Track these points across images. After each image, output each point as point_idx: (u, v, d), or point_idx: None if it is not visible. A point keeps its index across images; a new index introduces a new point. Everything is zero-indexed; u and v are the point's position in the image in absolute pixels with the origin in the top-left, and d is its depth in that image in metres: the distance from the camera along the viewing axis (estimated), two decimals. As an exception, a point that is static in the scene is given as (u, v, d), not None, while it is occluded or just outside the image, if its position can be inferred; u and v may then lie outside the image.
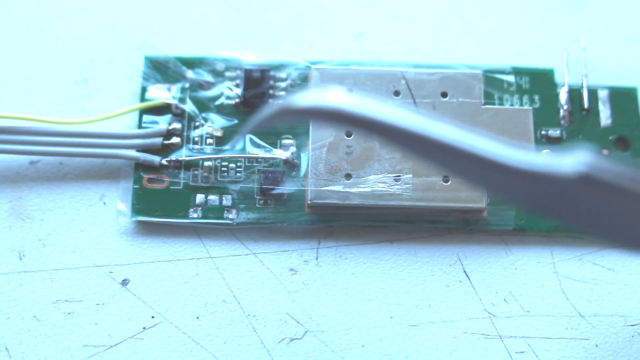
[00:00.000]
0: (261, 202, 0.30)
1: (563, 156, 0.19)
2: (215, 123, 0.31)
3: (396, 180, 0.29)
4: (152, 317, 0.29)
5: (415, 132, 0.20)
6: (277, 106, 0.22)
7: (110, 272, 0.29)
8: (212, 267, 0.29)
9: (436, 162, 0.21)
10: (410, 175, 0.29)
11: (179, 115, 0.31)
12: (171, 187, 0.30)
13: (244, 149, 0.30)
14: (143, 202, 0.30)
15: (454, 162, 0.20)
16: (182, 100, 0.31)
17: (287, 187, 0.30)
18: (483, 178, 0.20)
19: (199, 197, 0.30)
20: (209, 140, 0.31)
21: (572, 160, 0.19)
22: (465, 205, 0.29)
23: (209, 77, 0.31)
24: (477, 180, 0.21)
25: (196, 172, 0.30)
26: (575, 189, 0.19)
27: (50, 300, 0.29)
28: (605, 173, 0.19)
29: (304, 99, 0.22)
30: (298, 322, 0.29)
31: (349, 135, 0.29)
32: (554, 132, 0.31)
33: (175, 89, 0.31)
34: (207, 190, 0.30)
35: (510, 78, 0.32)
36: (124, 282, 0.29)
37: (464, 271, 0.30)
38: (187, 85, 0.31)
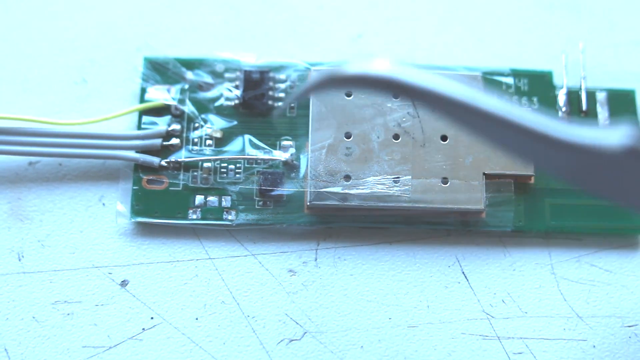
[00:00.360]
0: (260, 203, 0.30)
1: (609, 131, 0.20)
2: (215, 124, 0.31)
3: (395, 182, 0.29)
4: (152, 318, 0.29)
5: (466, 102, 0.20)
6: (325, 74, 0.22)
7: (109, 273, 0.29)
8: (211, 268, 0.29)
9: (483, 133, 0.21)
10: (409, 177, 0.29)
11: (179, 116, 0.31)
12: (170, 188, 0.30)
13: (243, 150, 0.30)
14: (142, 203, 0.30)
15: (502, 133, 0.20)
16: (181, 101, 0.31)
17: (286, 189, 0.30)
18: (529, 150, 0.21)
19: (198, 199, 0.30)
20: (209, 142, 0.31)
21: (619, 134, 0.19)
22: (463, 207, 0.29)
23: (208, 79, 0.31)
24: (522, 152, 0.21)
25: (195, 173, 0.30)
26: (621, 162, 0.19)
27: (50, 301, 0.29)
28: None
29: (354, 67, 0.22)
30: (297, 323, 0.29)
31: (348, 137, 0.29)
32: (553, 134, 0.31)
33: (175, 90, 0.31)
34: (206, 192, 0.30)
35: (509, 80, 0.32)
36: (123, 283, 0.29)
37: (463, 272, 0.30)
38: (186, 86, 0.31)
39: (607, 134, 0.20)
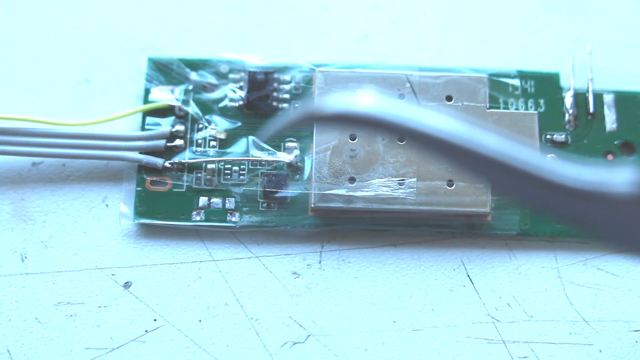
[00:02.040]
0: (264, 205, 0.30)
1: (612, 173, 0.19)
2: (219, 125, 0.31)
3: (400, 184, 0.29)
4: (155, 320, 0.28)
5: (458, 144, 0.19)
6: (303, 111, 0.21)
7: (112, 275, 0.29)
8: (214, 270, 0.29)
9: (477, 174, 0.20)
10: (414, 179, 0.29)
11: (182, 117, 0.31)
12: (174, 190, 0.30)
13: (247, 152, 0.30)
14: (146, 205, 0.30)
15: (499, 176, 0.19)
16: (185, 102, 0.31)
17: (290, 191, 0.30)
18: (528, 193, 0.19)
19: (202, 200, 0.30)
20: (213, 143, 0.30)
21: (625, 177, 0.18)
22: (469, 210, 0.29)
23: (212, 79, 0.31)
24: (521, 195, 0.19)
25: (199, 174, 0.30)
26: (626, 209, 0.18)
27: (52, 302, 0.29)
28: None
29: (332, 103, 0.20)
30: (301, 326, 0.29)
31: (353, 139, 0.29)
32: (559, 137, 0.31)
33: (179, 91, 0.31)
34: (210, 193, 0.30)
35: (516, 82, 0.31)
36: (127, 285, 0.29)
37: (468, 275, 0.29)
38: (190, 87, 0.31)
39: (612, 177, 0.18)
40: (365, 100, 0.20)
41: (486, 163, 0.19)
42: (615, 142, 0.31)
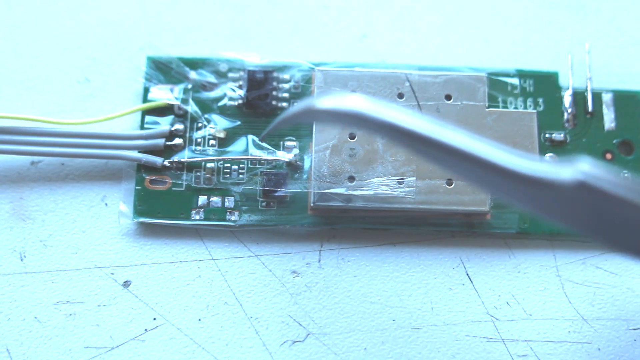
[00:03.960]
0: (264, 204, 0.30)
1: (564, 164, 0.21)
2: (218, 124, 0.31)
3: (399, 183, 0.29)
4: (154, 318, 0.28)
5: (426, 136, 0.21)
6: (299, 106, 0.23)
7: (111, 274, 0.29)
8: (214, 269, 0.29)
9: (445, 165, 0.22)
10: (414, 178, 0.29)
11: (182, 116, 0.31)
12: (173, 189, 0.30)
13: (246, 151, 0.30)
14: (145, 204, 0.30)
15: (462, 165, 0.21)
16: (184, 101, 0.31)
17: (290, 189, 0.30)
18: (488, 181, 0.22)
19: (202, 199, 0.30)
20: (212, 142, 0.30)
21: (572, 168, 0.20)
22: (468, 209, 0.29)
23: (211, 78, 0.31)
24: (482, 183, 0.22)
25: (198, 173, 0.30)
26: (573, 196, 0.20)
27: (52, 301, 0.29)
28: (601, 182, 0.20)
29: (326, 101, 0.23)
30: (300, 325, 0.29)
31: (352, 138, 0.29)
32: (558, 135, 0.31)
33: (178, 89, 0.31)
34: (209, 192, 0.30)
35: (515, 81, 0.31)
36: (126, 284, 0.29)
37: (467, 274, 0.29)
38: (189, 86, 0.31)
39: (561, 168, 0.20)
40: (354, 100, 0.23)
41: (452, 154, 0.21)
42: (614, 141, 0.31)
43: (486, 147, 0.21)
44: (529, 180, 0.20)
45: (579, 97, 0.32)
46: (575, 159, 0.21)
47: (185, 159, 0.30)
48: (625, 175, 0.20)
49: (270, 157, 0.30)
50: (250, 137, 0.30)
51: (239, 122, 0.31)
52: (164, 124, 0.31)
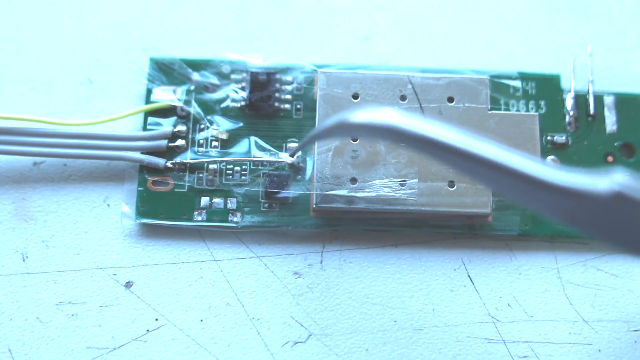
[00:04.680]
0: (266, 205, 0.30)
1: (599, 175, 0.21)
2: (221, 126, 0.31)
3: (402, 185, 0.29)
4: (156, 319, 0.28)
5: (461, 149, 0.22)
6: (333, 121, 0.24)
7: (114, 275, 0.29)
8: (216, 270, 0.29)
9: (480, 178, 0.22)
10: (416, 180, 0.29)
11: (184, 117, 0.31)
12: (176, 190, 0.30)
13: (249, 152, 0.30)
14: (147, 205, 0.30)
15: (498, 178, 0.21)
16: (187, 102, 0.31)
17: (292, 191, 0.30)
18: (524, 193, 0.22)
19: (204, 200, 0.30)
20: (214, 143, 0.30)
21: (608, 179, 0.20)
22: (470, 211, 0.29)
23: (214, 80, 0.31)
24: (518, 195, 0.22)
25: (201, 174, 0.30)
26: (609, 207, 0.20)
27: (54, 302, 0.29)
28: (638, 192, 0.20)
29: (360, 115, 0.23)
30: (302, 326, 0.29)
31: (354, 140, 0.29)
32: (560, 138, 0.31)
33: (181, 91, 0.31)
34: (211, 193, 0.30)
35: (517, 83, 0.32)
36: (128, 285, 0.29)
37: (468, 276, 0.30)
38: (192, 87, 0.31)
39: (597, 179, 0.21)
40: (388, 114, 0.23)
41: (487, 166, 0.21)
42: (616, 144, 0.31)
43: (521, 159, 0.21)
44: (566, 191, 0.21)
45: (580, 99, 0.32)
46: (610, 170, 0.21)
47: (188, 160, 0.30)
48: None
49: (272, 158, 0.30)
50: (253, 138, 0.30)
51: (241, 124, 0.31)
52: (167, 125, 0.31)
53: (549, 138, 0.31)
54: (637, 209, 0.20)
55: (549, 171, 0.21)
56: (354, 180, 0.29)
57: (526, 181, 0.21)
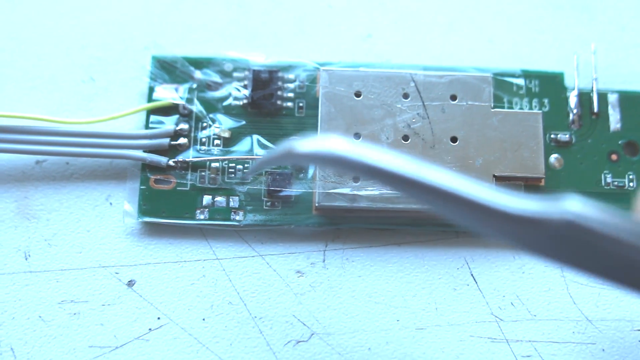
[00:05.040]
0: (268, 204, 0.30)
1: (552, 202, 0.21)
2: (223, 124, 0.31)
3: (404, 183, 0.29)
4: (158, 318, 0.28)
5: (413, 179, 0.21)
6: (281, 149, 0.24)
7: (116, 273, 0.29)
8: (218, 268, 0.29)
9: (432, 205, 0.22)
10: (419, 178, 0.29)
11: (187, 115, 0.31)
12: (178, 188, 0.30)
13: (251, 150, 0.30)
14: (150, 203, 0.30)
15: (449, 206, 0.21)
16: (189, 100, 0.31)
17: (294, 189, 0.30)
18: (476, 221, 0.21)
19: (206, 199, 0.30)
20: (217, 141, 0.30)
21: (560, 207, 0.20)
22: (473, 209, 0.29)
23: (216, 78, 0.31)
24: (470, 223, 0.22)
25: (203, 173, 0.30)
26: (562, 235, 0.20)
27: (56, 300, 0.29)
28: (590, 221, 0.20)
29: (307, 145, 0.23)
30: (304, 325, 0.29)
31: (357, 138, 0.29)
32: (564, 136, 0.31)
33: (183, 89, 0.31)
34: (214, 192, 0.30)
35: (520, 81, 0.31)
36: (130, 283, 0.29)
37: (471, 274, 0.29)
38: (194, 85, 0.31)
39: (550, 206, 0.21)
40: (335, 143, 0.22)
41: (438, 195, 0.21)
42: (620, 142, 0.31)
43: (472, 186, 0.21)
44: (518, 219, 0.21)
45: (584, 97, 0.31)
46: (563, 197, 0.21)
47: (190, 159, 0.30)
48: (614, 212, 0.20)
49: (274, 156, 0.30)
50: (255, 137, 0.30)
51: (243, 122, 0.31)
52: (169, 123, 0.31)
53: (552, 136, 0.31)
54: (590, 237, 0.20)
55: (502, 198, 0.21)
56: (356, 179, 0.29)
57: (478, 209, 0.21)
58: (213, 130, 0.30)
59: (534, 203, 0.21)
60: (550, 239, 0.21)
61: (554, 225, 0.20)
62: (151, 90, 0.31)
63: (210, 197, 0.30)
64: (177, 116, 0.31)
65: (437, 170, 0.21)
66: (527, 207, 0.21)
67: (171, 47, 0.32)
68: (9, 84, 0.32)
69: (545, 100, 0.31)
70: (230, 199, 0.30)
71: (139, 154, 0.30)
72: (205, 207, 0.30)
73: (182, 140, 0.30)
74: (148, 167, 0.30)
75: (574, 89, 0.31)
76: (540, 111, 0.31)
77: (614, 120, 0.31)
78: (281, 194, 0.30)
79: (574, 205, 0.20)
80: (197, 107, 0.31)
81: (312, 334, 0.28)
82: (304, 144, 0.23)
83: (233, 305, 0.29)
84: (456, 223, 0.22)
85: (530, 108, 0.31)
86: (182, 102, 0.31)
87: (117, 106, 0.31)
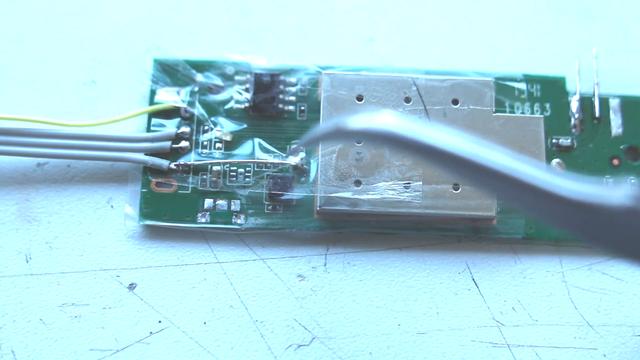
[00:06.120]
0: (270, 207, 0.30)
1: (612, 188, 0.20)
2: (225, 127, 0.31)
3: (406, 188, 0.29)
4: (159, 321, 0.28)
5: (469, 159, 0.20)
6: (331, 125, 0.23)
7: (117, 276, 0.29)
8: (219, 272, 0.29)
9: (487, 188, 0.21)
10: (420, 183, 0.29)
11: (188, 119, 0.31)
12: (179, 192, 0.30)
13: (253, 154, 0.30)
14: (151, 206, 0.29)
15: (506, 189, 0.21)
16: (191, 103, 0.31)
17: (296, 193, 0.30)
18: (533, 205, 0.21)
19: (207, 202, 0.30)
20: (218, 145, 0.30)
21: (621, 192, 0.20)
22: (475, 214, 0.29)
23: (218, 81, 0.31)
24: (527, 207, 0.21)
25: (205, 176, 0.30)
26: (621, 221, 0.20)
27: (57, 303, 0.28)
28: None
29: (359, 121, 0.22)
30: (305, 329, 0.29)
31: (359, 142, 0.29)
32: (565, 141, 0.31)
33: (185, 92, 0.31)
34: (215, 195, 0.30)
35: (522, 86, 0.31)
36: (131, 286, 0.29)
37: (473, 279, 0.29)
38: (196, 88, 0.31)
39: (608, 191, 0.20)
40: (386, 119, 0.21)
41: (494, 177, 0.20)
42: (621, 147, 0.31)
43: (530, 168, 0.20)
44: (577, 205, 0.20)
45: (586, 102, 0.31)
46: (622, 182, 0.20)
47: (192, 162, 0.30)
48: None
49: (276, 160, 0.30)
50: (257, 140, 0.30)
51: (245, 125, 0.31)
52: (171, 126, 0.30)
53: (554, 141, 0.31)
54: None
55: (559, 182, 0.20)
56: (358, 183, 0.29)
57: (534, 193, 0.20)
58: (214, 133, 0.30)
59: (592, 187, 0.20)
60: (609, 225, 0.20)
61: (614, 211, 0.20)
62: (153, 93, 0.31)
63: (211, 200, 0.30)
64: (178, 119, 0.31)
65: (494, 151, 0.21)
66: (586, 191, 0.20)
67: (173, 50, 0.32)
68: (10, 86, 0.32)
69: (547, 105, 0.31)
70: (232, 203, 0.30)
71: (141, 156, 0.30)
72: (206, 210, 0.30)
73: (184, 144, 0.30)
74: (149, 170, 0.30)
75: (575, 93, 0.31)
76: (541, 116, 0.31)
77: (616, 125, 0.31)
78: (283, 197, 0.30)
79: (632, 190, 0.20)
80: (198, 110, 0.31)
81: (313, 338, 0.28)
82: (356, 119, 0.22)
83: (234, 309, 0.29)
84: (509, 205, 0.22)
85: (532, 112, 0.31)
86: (183, 105, 0.31)
87: (118, 109, 0.31)
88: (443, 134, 0.21)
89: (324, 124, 0.24)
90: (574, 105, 0.31)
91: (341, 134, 0.23)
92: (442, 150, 0.21)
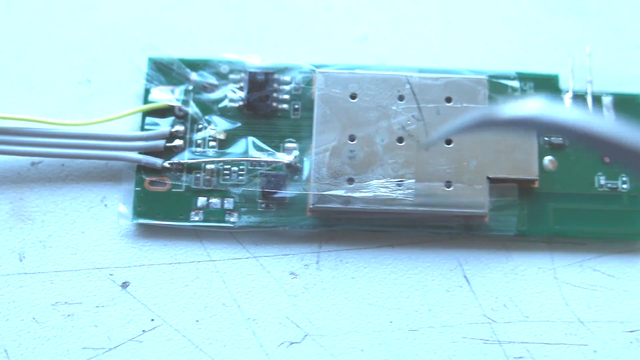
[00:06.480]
0: (263, 205, 0.30)
1: None
2: (219, 126, 0.31)
3: (398, 185, 0.29)
4: (152, 320, 0.29)
5: (621, 144, 0.21)
6: (478, 116, 0.23)
7: (110, 275, 0.29)
8: (212, 270, 0.29)
9: (631, 166, 0.21)
10: (413, 180, 0.29)
11: (182, 117, 0.31)
12: (173, 190, 0.30)
13: (246, 152, 0.30)
14: (144, 205, 0.30)
15: None
16: (185, 102, 0.31)
17: (289, 191, 0.30)
18: None
19: (201, 200, 0.30)
20: (212, 143, 0.30)
21: None
22: (467, 211, 0.29)
23: (212, 80, 0.31)
24: None
25: (198, 175, 0.30)
26: None
27: (50, 302, 0.29)
28: None
29: (508, 110, 0.22)
30: (298, 326, 0.29)
31: (352, 140, 0.29)
32: (557, 139, 0.31)
33: (179, 91, 0.31)
34: (209, 194, 0.30)
35: (515, 83, 0.31)
36: (124, 285, 0.29)
37: (464, 276, 0.30)
38: (190, 87, 0.31)
39: None
40: (532, 106, 0.21)
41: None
42: (613, 145, 0.31)
43: None
44: None
45: (579, 100, 0.31)
46: None
47: (185, 161, 0.30)
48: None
49: (270, 158, 0.30)
50: (251, 138, 0.30)
51: (239, 124, 0.31)
52: (165, 125, 0.31)
53: (546, 139, 0.31)
54: None
55: None
56: (350, 181, 0.29)
57: None
58: (208, 132, 0.31)
59: None
60: None
61: None
62: (147, 92, 0.31)
63: (205, 198, 0.30)
64: (172, 118, 0.31)
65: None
66: None
67: (167, 49, 0.32)
68: (5, 85, 0.32)
69: (540, 103, 0.31)
70: (225, 201, 0.30)
71: (134, 155, 0.30)
72: (199, 208, 0.30)
73: (178, 142, 0.30)
74: (143, 169, 0.30)
75: (568, 91, 0.31)
76: (534, 114, 0.31)
77: (608, 123, 0.31)
78: (276, 195, 0.30)
79: None
80: (192, 109, 0.31)
81: (306, 335, 0.29)
82: (505, 109, 0.22)
83: (227, 306, 0.29)
84: None
85: (525, 111, 0.31)
86: (177, 104, 0.31)
87: (112, 108, 0.31)
88: (591, 117, 0.21)
89: (468, 116, 0.24)
90: (567, 102, 0.31)
91: (490, 124, 0.23)
92: (596, 135, 0.21)
